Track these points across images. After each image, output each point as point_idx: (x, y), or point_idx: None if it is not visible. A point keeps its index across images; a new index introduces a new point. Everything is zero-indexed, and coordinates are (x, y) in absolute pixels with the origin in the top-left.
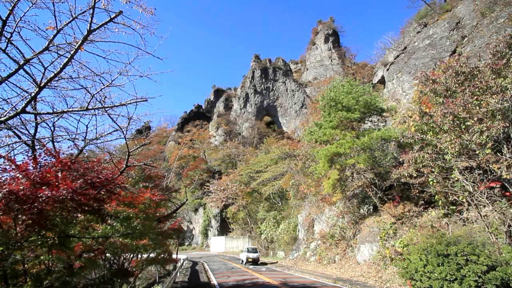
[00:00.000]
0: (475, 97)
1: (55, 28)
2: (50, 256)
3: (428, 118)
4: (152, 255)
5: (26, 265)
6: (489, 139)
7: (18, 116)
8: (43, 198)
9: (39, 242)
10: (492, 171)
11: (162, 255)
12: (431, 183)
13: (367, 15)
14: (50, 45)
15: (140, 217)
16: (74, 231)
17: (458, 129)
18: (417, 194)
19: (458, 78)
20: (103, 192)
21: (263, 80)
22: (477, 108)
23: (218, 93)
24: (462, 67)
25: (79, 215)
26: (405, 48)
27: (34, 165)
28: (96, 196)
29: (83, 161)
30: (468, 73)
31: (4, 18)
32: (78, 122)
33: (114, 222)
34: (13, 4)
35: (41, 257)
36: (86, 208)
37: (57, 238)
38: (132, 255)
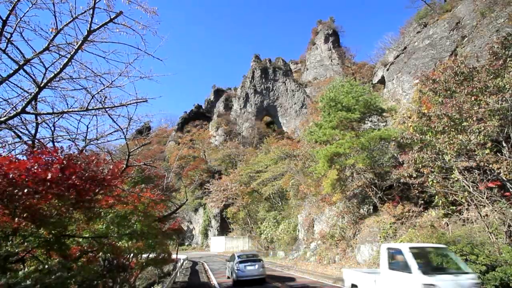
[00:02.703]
0: (474, 97)
1: (56, 29)
2: (48, 257)
3: (427, 118)
4: (152, 255)
5: (25, 264)
6: (487, 139)
7: (18, 116)
8: (36, 181)
9: (37, 242)
10: (492, 171)
11: (163, 255)
12: (430, 183)
13: (367, 15)
14: (51, 45)
15: (138, 214)
16: (71, 231)
17: (453, 130)
18: (417, 194)
19: (457, 78)
20: (102, 192)
21: (263, 80)
22: (476, 108)
23: (218, 93)
24: (461, 67)
25: (74, 213)
26: (405, 48)
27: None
28: (94, 191)
29: (84, 162)
30: (467, 73)
31: (4, 18)
32: (78, 122)
33: (110, 223)
34: (13, 4)
35: (40, 258)
36: (81, 203)
37: (53, 238)
38: (132, 256)
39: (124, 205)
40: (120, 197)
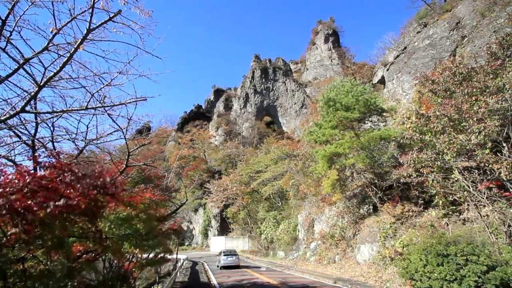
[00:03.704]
0: (474, 97)
1: (55, 28)
2: (49, 257)
3: (426, 119)
4: (151, 255)
5: (25, 264)
6: (487, 139)
7: (18, 116)
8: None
9: (38, 243)
10: (492, 171)
11: (162, 255)
12: (430, 183)
13: (367, 15)
14: (50, 44)
15: (140, 218)
16: (72, 232)
17: (452, 130)
18: (417, 194)
19: (456, 79)
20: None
21: (263, 80)
22: (476, 108)
23: (218, 93)
24: (459, 68)
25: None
26: (405, 48)
27: (34, 166)
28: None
29: (84, 161)
30: (466, 73)
31: (3, 18)
32: (78, 122)
33: (112, 224)
34: (12, 4)
35: (40, 258)
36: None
37: (55, 238)
38: (132, 256)
39: (127, 207)
40: (123, 198)
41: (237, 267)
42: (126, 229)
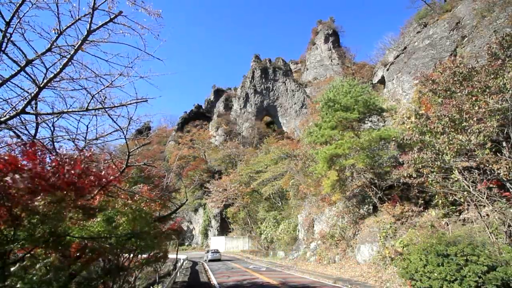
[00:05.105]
0: (474, 97)
1: (58, 29)
2: (48, 257)
3: (426, 119)
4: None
5: (25, 263)
6: (487, 139)
7: (18, 116)
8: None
9: (32, 239)
10: (492, 171)
11: (161, 254)
12: (430, 183)
13: (367, 15)
14: (53, 46)
15: (128, 214)
16: (63, 228)
17: (453, 130)
18: (417, 194)
19: (456, 79)
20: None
21: (263, 80)
22: (476, 108)
23: (218, 93)
24: (460, 68)
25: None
26: (405, 48)
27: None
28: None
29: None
30: (466, 73)
31: (7, 20)
32: (78, 122)
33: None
34: (17, 6)
35: (39, 258)
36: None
37: (50, 236)
38: (132, 256)
39: (114, 200)
40: (111, 192)
41: (219, 260)
42: (113, 229)
